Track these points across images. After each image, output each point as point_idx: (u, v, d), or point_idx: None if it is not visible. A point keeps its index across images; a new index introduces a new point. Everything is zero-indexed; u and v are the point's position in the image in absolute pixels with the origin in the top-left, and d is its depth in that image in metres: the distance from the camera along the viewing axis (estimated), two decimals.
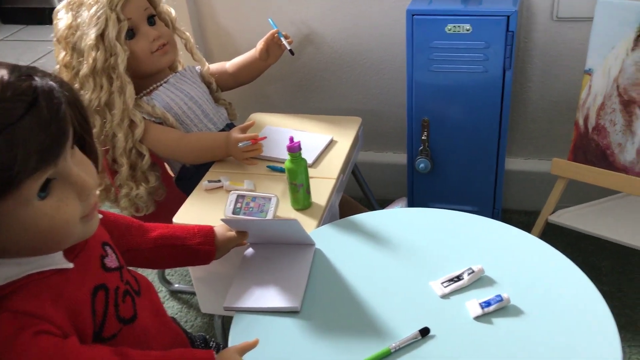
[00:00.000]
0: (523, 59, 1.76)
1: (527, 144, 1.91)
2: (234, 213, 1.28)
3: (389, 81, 1.89)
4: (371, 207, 1.83)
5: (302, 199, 1.31)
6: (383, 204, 2.00)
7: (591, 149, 1.47)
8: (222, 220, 1.12)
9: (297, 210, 1.32)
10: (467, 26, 1.41)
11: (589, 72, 1.42)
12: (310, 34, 1.89)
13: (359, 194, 1.85)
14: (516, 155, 1.95)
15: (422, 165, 1.60)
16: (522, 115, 1.86)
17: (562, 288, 1.05)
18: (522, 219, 1.95)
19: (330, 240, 1.20)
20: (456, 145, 1.58)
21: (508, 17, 1.38)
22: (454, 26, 1.42)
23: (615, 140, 1.43)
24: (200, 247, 1.09)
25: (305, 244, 1.17)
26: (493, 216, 1.65)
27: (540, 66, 1.76)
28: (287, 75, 1.99)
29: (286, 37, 1.64)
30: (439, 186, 1.65)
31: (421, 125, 1.57)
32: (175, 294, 1.84)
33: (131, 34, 1.43)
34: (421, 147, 1.60)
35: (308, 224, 1.27)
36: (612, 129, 1.43)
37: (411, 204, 1.71)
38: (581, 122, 1.47)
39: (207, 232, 1.10)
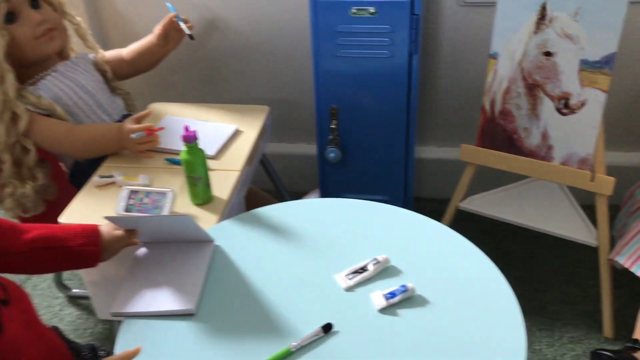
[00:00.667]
0: (432, 44, 1.74)
1: (438, 131, 1.90)
2: (126, 210, 1.18)
3: (298, 68, 1.83)
4: (283, 200, 1.76)
5: (201, 193, 1.22)
6: (297, 195, 1.94)
7: (498, 134, 1.47)
8: (106, 218, 1.02)
9: (197, 205, 1.23)
10: (372, 9, 1.37)
11: (494, 56, 1.41)
12: (215, 19, 1.80)
13: (271, 186, 1.78)
14: (428, 143, 1.93)
15: (332, 154, 1.55)
16: (433, 102, 1.84)
17: (468, 276, 1.02)
18: (436, 207, 1.93)
19: (231, 236, 1.13)
20: (366, 133, 1.54)
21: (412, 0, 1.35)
22: (358, 9, 1.37)
23: (521, 125, 1.43)
24: (83, 249, 0.99)
25: (203, 241, 1.09)
26: (405, 205, 1.62)
27: (449, 51, 1.75)
28: (193, 64, 1.89)
29: (186, 22, 1.55)
30: (351, 176, 1.61)
31: (330, 113, 1.52)
32: (74, 299, 1.71)
33: (11, 17, 1.30)
34: (331, 136, 1.54)
35: (208, 219, 1.19)
36: (517, 113, 1.43)
37: (324, 195, 1.66)
38: (488, 106, 1.46)
39: (91, 232, 1.00)
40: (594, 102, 1.33)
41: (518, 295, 0.98)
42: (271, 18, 1.76)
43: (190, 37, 1.52)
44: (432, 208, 1.97)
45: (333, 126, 1.53)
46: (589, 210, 1.50)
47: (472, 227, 1.90)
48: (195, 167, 1.19)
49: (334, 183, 1.63)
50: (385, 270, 1.03)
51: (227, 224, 1.16)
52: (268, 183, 1.78)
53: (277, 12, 1.75)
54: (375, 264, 1.03)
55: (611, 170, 1.41)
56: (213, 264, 1.06)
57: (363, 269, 1.03)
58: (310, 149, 1.92)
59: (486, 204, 1.58)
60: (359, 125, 1.53)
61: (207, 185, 1.22)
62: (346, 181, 1.62)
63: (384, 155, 1.56)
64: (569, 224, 1.50)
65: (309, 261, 1.06)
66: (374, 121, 1.52)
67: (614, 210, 1.59)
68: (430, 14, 1.69)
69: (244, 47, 1.83)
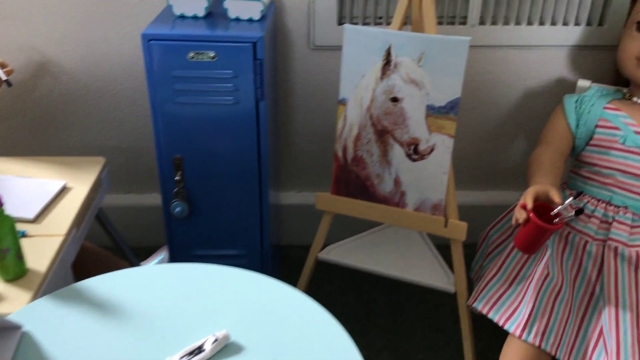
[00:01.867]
0: (284, 88, 1.68)
1: (298, 177, 1.83)
2: None
3: (141, 114, 1.69)
4: (126, 258, 1.60)
5: (11, 266, 1.04)
6: (144, 251, 1.79)
7: (352, 180, 1.41)
8: None
9: (8, 281, 1.05)
10: (212, 53, 1.27)
11: (343, 102, 1.36)
12: (46, 62, 1.62)
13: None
14: (289, 189, 1.85)
15: (178, 209, 1.42)
16: (290, 147, 1.77)
17: (319, 347, 0.92)
18: (301, 254, 1.85)
19: (47, 318, 0.96)
20: (215, 184, 1.42)
21: (254, 43, 1.27)
22: (197, 53, 1.27)
23: (373, 171, 1.38)
24: None
25: (6, 328, 0.91)
26: (262, 258, 1.52)
27: (302, 96, 1.69)
28: (21, 111, 1.68)
29: (3, 66, 1.36)
30: (202, 230, 1.48)
31: (173, 164, 1.39)
32: None
33: None
34: (176, 189, 1.41)
35: (19, 298, 1.01)
36: (369, 160, 1.38)
37: (173, 252, 1.51)
38: (340, 153, 1.40)
39: None
40: (442, 147, 1.31)
41: (383, 346, 0.90)
42: (109, 60, 1.61)
43: (8, 83, 1.34)
44: (297, 256, 1.90)
45: (178, 178, 1.40)
46: (449, 250, 1.49)
47: (336, 275, 1.86)
48: (1, 237, 1.01)
49: (183, 239, 1.49)
50: (225, 349, 0.91)
51: (43, 302, 0.99)
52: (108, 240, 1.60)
53: (115, 53, 1.60)
54: (213, 342, 0.91)
55: (466, 210, 1.41)
56: (18, 357, 0.88)
57: (200, 349, 0.90)
58: (155, 199, 1.77)
59: (345, 253, 1.51)
60: (207, 176, 1.41)
61: (19, 256, 1.05)
62: (197, 236, 1.49)
63: (236, 206, 1.45)
64: (426, 271, 1.47)
65: (139, 342, 0.92)
66: (223, 171, 1.41)
67: (472, 248, 1.58)
68: (281, 57, 1.63)
69: (80, 92, 1.66)
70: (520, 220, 1.21)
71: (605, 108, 1.36)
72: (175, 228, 1.48)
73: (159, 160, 1.40)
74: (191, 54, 1.27)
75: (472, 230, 1.38)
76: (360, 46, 1.30)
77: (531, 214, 1.19)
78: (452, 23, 1.59)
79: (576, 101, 1.40)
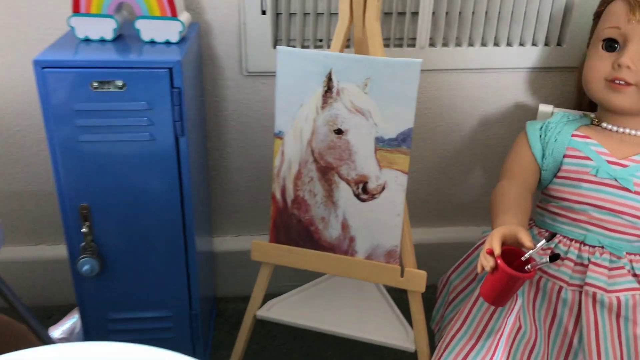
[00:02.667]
0: (216, 120, 1.48)
1: (234, 219, 1.63)
2: None
3: (42, 155, 1.46)
4: (27, 323, 1.35)
5: None
6: (60, 311, 1.55)
7: (293, 225, 1.22)
8: None
9: None
10: (119, 82, 1.07)
11: (279, 136, 1.18)
12: None
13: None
14: (224, 233, 1.65)
15: (86, 267, 1.19)
16: (224, 186, 1.57)
17: None
18: (240, 308, 1.64)
19: None
20: (131, 235, 1.20)
21: (170, 69, 1.07)
22: (102, 82, 1.06)
23: (317, 214, 1.20)
24: None
25: None
26: (191, 319, 1.30)
27: (237, 128, 1.50)
28: None
29: None
30: (118, 290, 1.25)
31: (79, 213, 1.17)
32: None
33: None
34: (83, 243, 1.19)
35: None
36: (312, 201, 1.19)
37: (85, 315, 1.28)
38: (278, 195, 1.21)
39: None
40: (394, 185, 1.13)
41: None
42: (10, 93, 1.39)
43: None
44: (237, 309, 1.68)
45: (85, 230, 1.18)
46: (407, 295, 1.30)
47: (281, 330, 1.64)
48: None
49: (96, 300, 1.26)
50: None
51: None
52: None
53: (16, 85, 1.38)
54: None
55: (421, 249, 1.23)
56: None
57: None
58: (61, 250, 1.54)
59: (288, 309, 1.31)
60: (120, 226, 1.20)
61: None
62: (112, 297, 1.26)
63: (158, 260, 1.24)
64: (382, 326, 1.28)
65: None
66: (140, 220, 1.19)
67: (431, 290, 1.40)
68: (209, 86, 1.44)
69: None
70: (487, 269, 1.04)
71: (573, 135, 1.21)
72: (86, 288, 1.25)
73: (62, 210, 1.17)
74: (95, 84, 1.07)
75: (430, 271, 1.21)
76: (297, 71, 1.12)
77: (499, 261, 1.02)
78: (400, 45, 1.44)
79: (540, 128, 1.25)
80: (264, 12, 1.36)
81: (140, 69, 1.07)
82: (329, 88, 1.11)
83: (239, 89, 1.45)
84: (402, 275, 1.18)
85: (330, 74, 1.10)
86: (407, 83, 1.06)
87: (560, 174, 1.21)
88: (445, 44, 1.45)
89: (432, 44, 1.44)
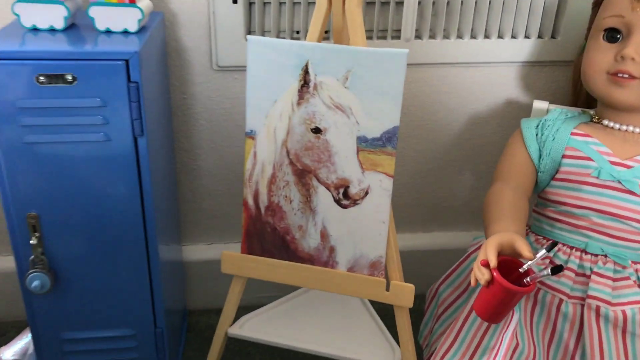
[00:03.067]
0: (185, 120, 1.36)
1: (206, 226, 1.51)
2: None
3: None
4: None
5: None
6: (14, 327, 1.43)
7: (267, 235, 1.11)
8: None
9: None
10: (69, 76, 0.94)
11: (251, 135, 1.06)
12: None
13: None
14: (195, 241, 1.53)
15: (35, 283, 1.06)
16: (194, 190, 1.45)
17: None
18: (213, 321, 1.53)
19: None
20: (86, 246, 1.08)
21: (126, 61, 0.95)
22: (49, 76, 0.94)
23: (294, 222, 1.08)
24: None
25: None
26: (156, 338, 1.18)
27: (207, 127, 1.38)
28: None
29: None
30: (73, 307, 1.13)
31: (27, 224, 1.04)
32: None
33: None
34: (32, 256, 1.06)
35: None
36: (288, 208, 1.08)
37: (38, 336, 1.15)
38: (251, 201, 1.10)
39: None
40: (378, 189, 1.03)
41: None
42: None
43: None
44: (210, 323, 1.56)
45: (34, 242, 1.05)
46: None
47: (257, 347, 1.51)
48: None
49: (50, 318, 1.14)
50: None
51: None
52: None
53: None
54: None
55: (407, 255, 1.13)
56: None
57: None
58: (8, 262, 1.41)
59: (263, 326, 1.20)
60: (74, 237, 1.07)
61: None
62: (67, 315, 1.14)
63: (117, 273, 1.12)
64: (366, 344, 1.17)
65: None
66: (95, 229, 1.07)
67: (418, 300, 1.29)
68: (176, 81, 1.32)
69: None
70: (482, 282, 0.93)
71: (572, 134, 1.11)
72: (37, 306, 1.13)
73: (8, 220, 1.05)
74: (41, 78, 0.94)
75: (416, 280, 1.11)
76: (270, 63, 1.01)
77: (495, 274, 0.92)
78: (384, 37, 1.33)
79: (536, 126, 1.15)
80: (235, 1, 1.25)
81: (92, 60, 0.95)
82: (305, 82, 1.00)
83: (209, 85, 1.33)
84: (387, 289, 1.07)
85: (306, 66, 0.99)
86: (393, 76, 0.95)
87: (558, 175, 1.11)
88: (432, 36, 1.34)
89: (418, 36, 1.34)
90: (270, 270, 1.11)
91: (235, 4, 1.25)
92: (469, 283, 1.21)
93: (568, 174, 1.10)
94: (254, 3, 1.27)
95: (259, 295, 1.48)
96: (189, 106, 1.35)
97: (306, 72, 1.00)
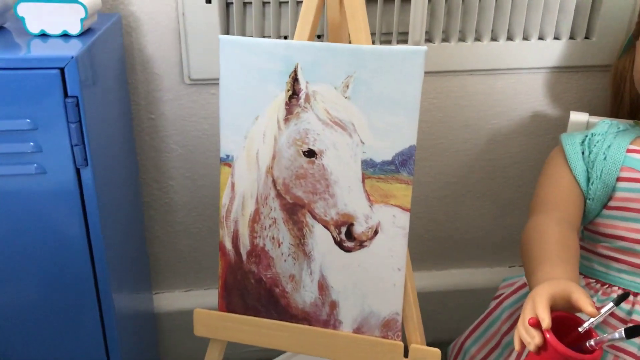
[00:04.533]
0: (153, 145, 1.15)
1: (182, 270, 1.29)
2: None
3: None
4: None
5: None
6: None
7: (251, 287, 0.88)
8: None
9: None
10: None
11: (227, 162, 0.84)
12: None
13: None
14: (169, 288, 1.30)
15: None
16: (168, 229, 1.23)
17: None
18: None
19: None
20: (25, 301, 0.86)
21: (62, 69, 0.73)
22: None
23: (284, 271, 0.86)
24: None
25: None
26: None
27: (181, 154, 1.17)
28: None
29: None
30: None
31: None
32: None
33: None
34: None
35: None
36: (276, 253, 0.86)
37: None
38: (229, 244, 0.87)
39: None
40: (391, 227, 0.80)
41: None
42: None
43: None
44: None
45: None
46: None
47: None
48: None
49: None
50: None
51: None
52: None
53: None
54: None
55: (421, 297, 0.91)
56: None
57: None
58: None
59: None
60: (8, 290, 0.85)
61: None
62: None
63: (63, 331, 0.89)
64: None
65: None
66: (34, 279, 0.85)
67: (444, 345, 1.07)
68: (143, 98, 1.11)
69: None
70: (531, 348, 0.71)
71: (628, 151, 0.90)
72: None
73: None
74: None
75: (432, 329, 0.89)
76: (249, 70, 0.79)
77: (549, 336, 0.70)
78: (388, 41, 1.13)
79: (582, 143, 0.94)
80: (208, 1, 1.04)
81: (17, 70, 0.73)
82: (294, 92, 0.79)
83: (180, 102, 1.12)
84: (406, 355, 0.84)
85: (295, 72, 0.78)
86: (408, 81, 0.74)
87: (612, 203, 0.89)
88: (445, 39, 1.14)
89: (428, 39, 1.14)
90: (256, 333, 0.87)
91: (209, 4, 1.04)
92: (502, 336, 1.00)
93: (625, 201, 0.88)
94: (232, 3, 1.06)
95: (244, 351, 1.25)
96: (158, 128, 1.14)
97: (295, 79, 0.78)
